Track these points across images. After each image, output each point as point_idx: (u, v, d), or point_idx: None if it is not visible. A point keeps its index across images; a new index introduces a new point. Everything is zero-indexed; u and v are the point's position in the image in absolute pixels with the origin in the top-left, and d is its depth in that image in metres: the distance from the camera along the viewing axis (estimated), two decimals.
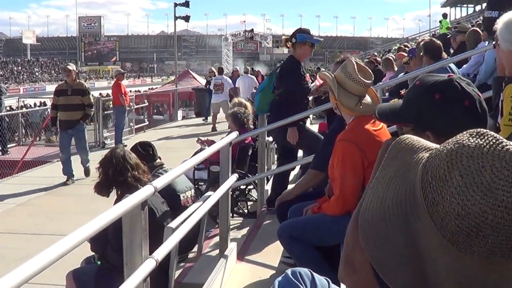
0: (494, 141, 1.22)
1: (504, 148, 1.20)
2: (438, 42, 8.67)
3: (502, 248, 1.19)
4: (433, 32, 44.56)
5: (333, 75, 4.61)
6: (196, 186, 7.88)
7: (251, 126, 9.47)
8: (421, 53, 8.68)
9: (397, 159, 1.43)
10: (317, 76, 8.65)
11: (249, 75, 25.05)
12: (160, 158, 6.51)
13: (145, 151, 6.30)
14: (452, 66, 7.88)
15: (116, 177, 5.01)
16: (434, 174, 1.26)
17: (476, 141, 1.23)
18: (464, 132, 1.28)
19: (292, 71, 7.64)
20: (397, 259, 1.30)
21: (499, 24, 3.58)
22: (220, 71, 24.21)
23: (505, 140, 1.22)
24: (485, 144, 1.21)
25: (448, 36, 14.19)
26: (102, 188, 5.14)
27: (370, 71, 4.68)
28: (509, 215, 1.15)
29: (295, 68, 7.65)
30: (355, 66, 4.49)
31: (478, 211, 1.17)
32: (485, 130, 1.26)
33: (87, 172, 13.71)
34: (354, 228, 1.51)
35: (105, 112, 20.37)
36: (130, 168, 5.04)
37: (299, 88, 7.70)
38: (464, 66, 9.00)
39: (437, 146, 1.36)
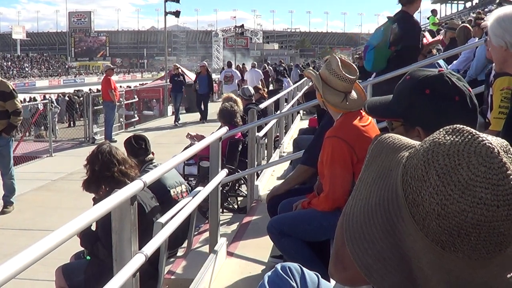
0: (470, 137, 1.21)
1: (481, 144, 1.19)
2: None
3: (485, 245, 1.18)
4: (423, 28, 44.67)
5: (317, 73, 4.60)
6: (186, 181, 7.86)
7: (240, 122, 9.44)
8: None
9: (379, 159, 1.42)
10: (424, 34, 8.56)
11: (255, 69, 28.88)
12: (153, 153, 6.51)
13: (138, 144, 6.30)
14: (441, 62, 7.88)
15: (103, 172, 4.99)
16: (412, 175, 1.25)
17: (452, 138, 1.22)
18: (441, 129, 1.28)
19: (413, 26, 7.44)
20: (382, 261, 1.29)
21: (490, 19, 3.58)
22: (229, 64, 28.70)
23: (481, 135, 1.20)
24: (461, 141, 1.20)
25: (440, 32, 14.19)
26: (90, 185, 5.11)
27: (355, 66, 4.67)
28: (489, 211, 1.14)
29: (414, 24, 7.48)
30: (339, 62, 4.48)
31: (457, 209, 1.16)
32: (461, 126, 1.25)
33: (6, 204, 10.50)
34: (343, 228, 1.50)
35: (95, 108, 20.33)
36: (116, 162, 5.02)
37: (418, 44, 7.54)
38: (454, 62, 9.01)
39: (417, 143, 1.35)
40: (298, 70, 35.50)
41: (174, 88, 24.38)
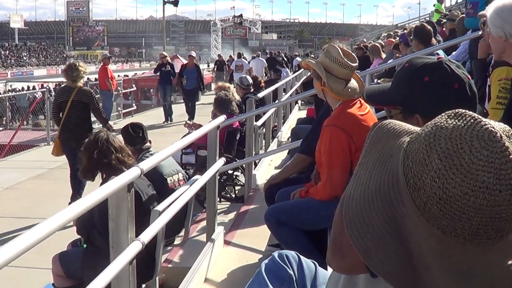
0: (472, 121, 1.20)
1: (483, 128, 1.18)
2: (429, 27, 8.66)
3: (487, 230, 1.17)
4: (422, 20, 44.57)
5: (317, 61, 4.59)
6: (184, 170, 7.86)
7: (237, 111, 9.43)
8: (411, 37, 8.71)
9: (380, 145, 1.42)
10: None
11: (259, 58, 30.93)
12: (150, 142, 6.51)
13: (135, 132, 6.30)
14: (441, 52, 7.87)
15: (100, 160, 4.99)
16: (414, 159, 1.25)
17: (454, 122, 1.21)
18: (443, 114, 1.27)
19: None
20: (382, 246, 1.28)
21: (489, 10, 3.57)
22: (239, 55, 31.32)
23: (484, 119, 1.20)
24: (463, 124, 1.20)
25: (442, 22, 14.15)
26: (87, 172, 5.12)
27: (354, 55, 4.67)
28: (491, 195, 1.14)
29: None
30: (340, 51, 4.47)
31: (459, 193, 1.15)
32: (463, 111, 1.24)
33: None
34: (342, 213, 1.50)
35: None
36: (114, 150, 5.03)
37: None
38: (453, 53, 8.99)
39: (418, 129, 1.34)
40: None
41: (162, 80, 20.85)
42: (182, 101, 22.44)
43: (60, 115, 9.70)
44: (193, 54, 21.63)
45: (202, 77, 21.20)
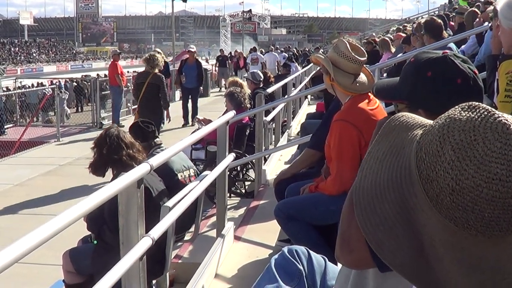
0: (485, 113, 1.21)
1: (497, 120, 1.19)
2: (439, 21, 8.66)
3: (499, 222, 1.18)
4: (431, 13, 44.46)
5: (326, 56, 4.59)
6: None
7: (248, 106, 9.42)
8: (422, 32, 8.70)
9: (391, 136, 1.42)
10: None
11: (272, 52, 33.57)
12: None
13: (147, 128, 6.31)
14: (453, 46, 7.86)
15: (110, 156, 5.00)
16: (427, 150, 1.25)
17: (468, 115, 1.22)
18: (456, 106, 1.28)
19: None
20: (394, 238, 1.29)
21: (501, 2, 3.56)
22: (254, 49, 34.09)
23: (497, 112, 1.21)
24: (476, 117, 1.20)
25: (450, 16, 14.12)
26: (97, 168, 5.12)
27: (363, 49, 4.66)
28: (504, 187, 1.14)
29: None
30: (348, 45, 4.47)
31: (472, 185, 1.16)
32: (477, 103, 1.25)
33: None
34: (350, 207, 1.50)
35: (103, 93, 20.32)
36: (124, 146, 5.03)
37: None
38: (463, 46, 8.97)
39: (431, 122, 1.35)
40: None
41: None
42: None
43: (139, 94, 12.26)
44: (193, 48, 19.67)
45: (203, 74, 19.22)
